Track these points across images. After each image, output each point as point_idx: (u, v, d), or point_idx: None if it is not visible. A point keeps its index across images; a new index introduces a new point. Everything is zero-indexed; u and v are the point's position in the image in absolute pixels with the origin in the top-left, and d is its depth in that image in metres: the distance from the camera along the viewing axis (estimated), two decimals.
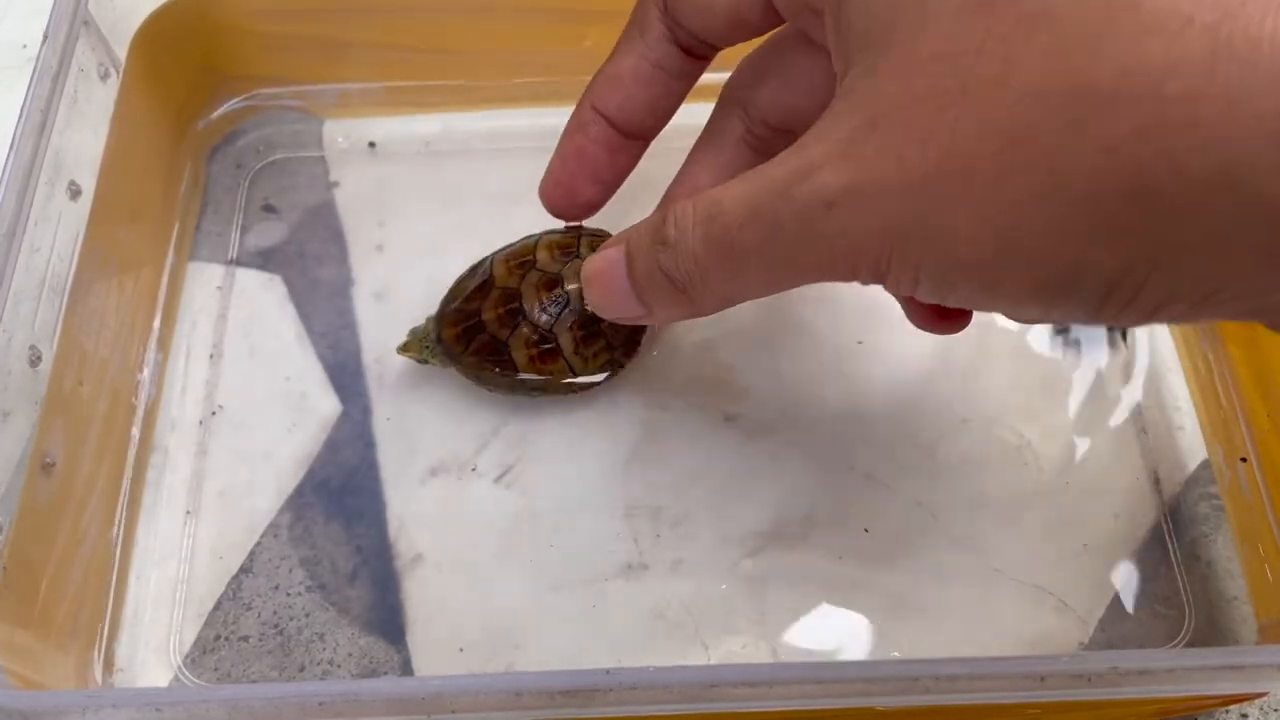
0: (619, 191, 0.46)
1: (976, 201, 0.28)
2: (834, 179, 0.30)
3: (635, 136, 0.43)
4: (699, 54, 0.40)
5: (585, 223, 0.47)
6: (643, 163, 0.54)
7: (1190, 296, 0.27)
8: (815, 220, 0.30)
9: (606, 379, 0.47)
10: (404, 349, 0.47)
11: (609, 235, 0.48)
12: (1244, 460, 0.46)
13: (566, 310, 0.45)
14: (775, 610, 0.44)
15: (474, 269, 0.48)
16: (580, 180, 0.43)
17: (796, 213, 0.31)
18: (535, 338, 0.45)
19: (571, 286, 0.46)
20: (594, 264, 0.38)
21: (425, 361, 0.47)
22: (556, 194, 0.44)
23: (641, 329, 0.48)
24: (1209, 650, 0.41)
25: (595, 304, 0.39)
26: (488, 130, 0.56)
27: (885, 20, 0.30)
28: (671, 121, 0.56)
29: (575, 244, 0.48)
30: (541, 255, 0.47)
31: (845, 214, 0.30)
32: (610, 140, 0.42)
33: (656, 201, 0.52)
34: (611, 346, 0.46)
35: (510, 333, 0.45)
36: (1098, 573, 0.45)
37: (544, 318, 0.45)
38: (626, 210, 0.54)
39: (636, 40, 0.40)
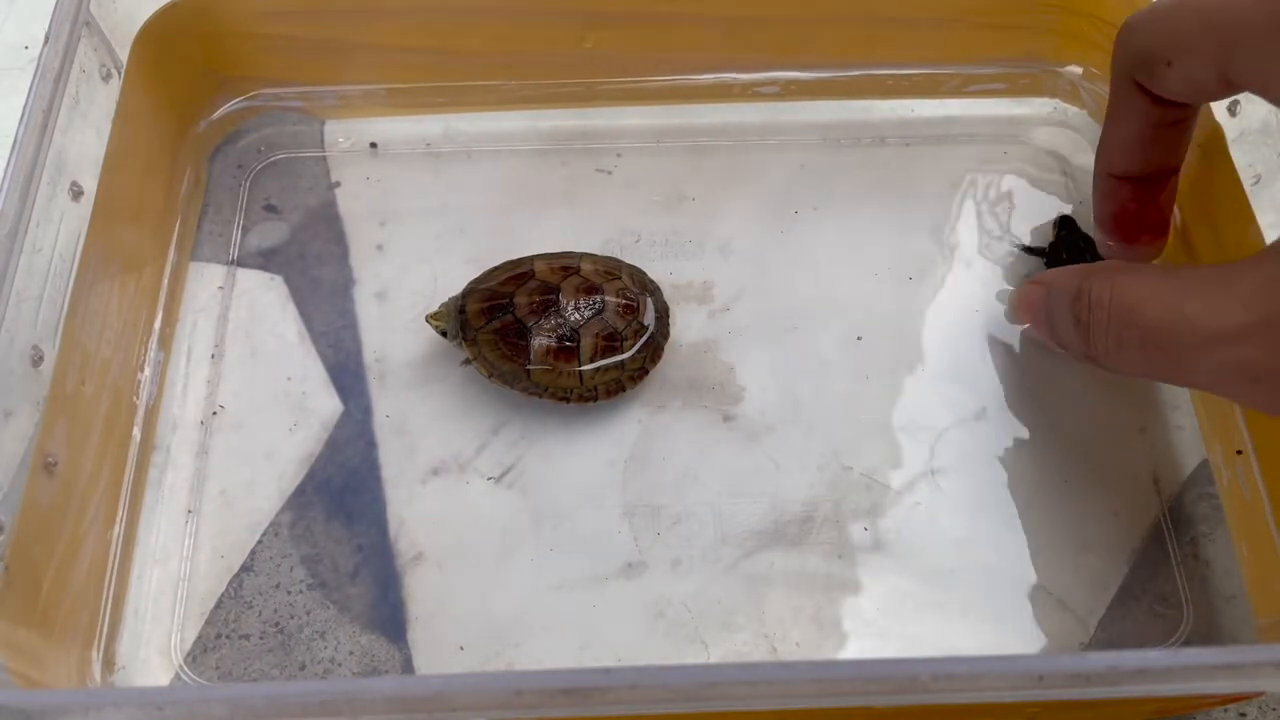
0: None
1: None
2: (1261, 360, 0.33)
3: (1164, 176, 0.46)
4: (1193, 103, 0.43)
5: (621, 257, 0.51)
6: (670, 168, 0.55)
7: None
8: (1238, 384, 0.35)
9: (597, 402, 0.47)
10: (434, 317, 0.48)
11: (645, 274, 0.50)
12: (1239, 453, 0.46)
13: (597, 318, 0.46)
14: (775, 609, 0.44)
15: (510, 263, 0.49)
16: (1137, 234, 0.47)
17: (1218, 369, 0.35)
18: (561, 332, 0.46)
19: (610, 299, 0.46)
20: (1024, 293, 0.46)
21: (444, 334, 0.48)
22: (1127, 254, 0.48)
23: (655, 360, 0.48)
24: (1207, 649, 0.41)
25: (1020, 321, 0.48)
26: (488, 131, 0.56)
27: None
28: (700, 121, 0.56)
29: (618, 269, 0.49)
30: (585, 267, 0.48)
31: (1266, 389, 0.34)
32: (1141, 193, 0.46)
33: (689, 213, 0.52)
34: (622, 367, 0.47)
35: (538, 320, 0.46)
36: (1097, 572, 0.45)
37: (575, 316, 0.46)
38: (641, 219, 0.55)
39: (1126, 112, 0.43)
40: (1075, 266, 0.43)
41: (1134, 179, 0.45)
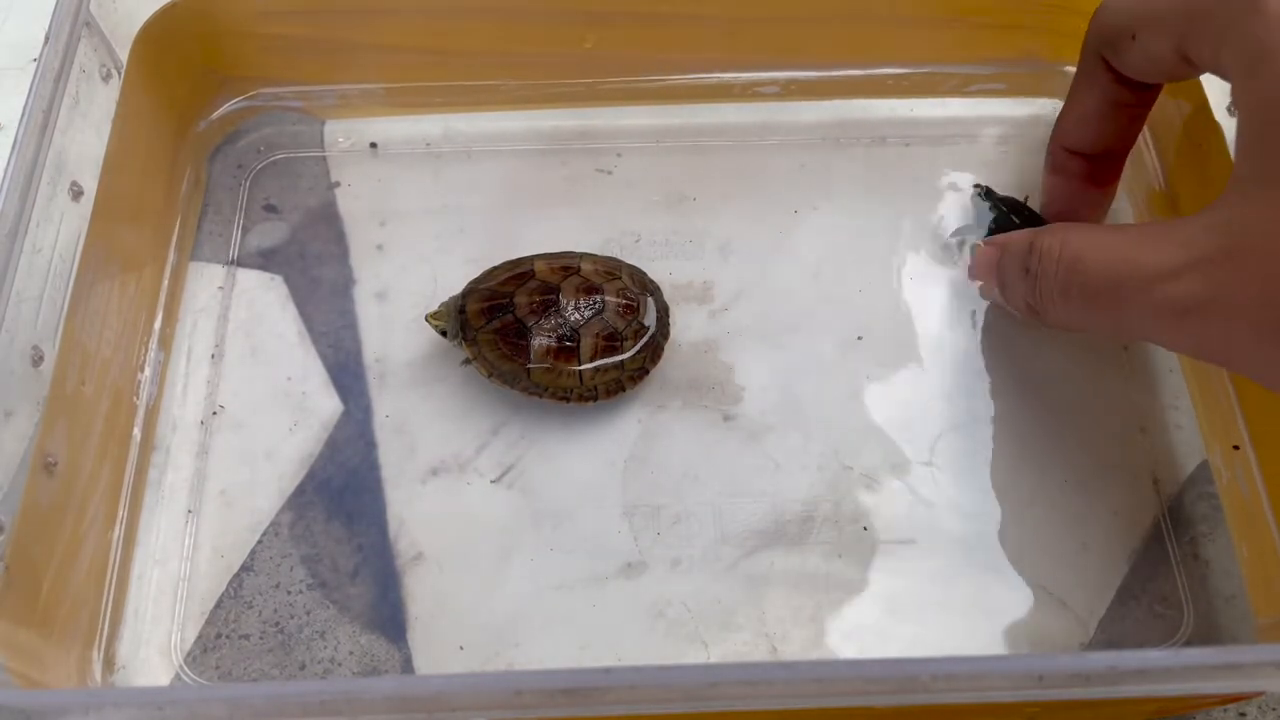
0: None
1: None
2: (1190, 293, 0.35)
3: (1114, 158, 0.48)
4: (1151, 86, 0.45)
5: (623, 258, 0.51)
6: (670, 168, 0.55)
7: None
8: (1168, 319, 0.36)
9: (597, 402, 0.47)
10: (434, 317, 0.48)
11: (645, 274, 0.50)
12: (1236, 448, 0.46)
13: (597, 318, 0.46)
14: (775, 609, 0.44)
15: (510, 263, 0.49)
16: (1077, 211, 0.49)
17: (1152, 307, 0.37)
18: (561, 332, 0.46)
19: (610, 299, 0.46)
20: (981, 253, 0.47)
21: (444, 333, 0.48)
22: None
23: (655, 360, 0.48)
24: (1207, 649, 0.41)
25: (975, 280, 0.49)
26: (488, 131, 0.56)
27: None
28: (700, 121, 0.56)
29: (618, 269, 0.49)
30: (586, 267, 0.48)
31: (1193, 322, 0.36)
32: (1090, 171, 0.48)
33: (689, 213, 0.52)
34: (622, 367, 0.47)
35: (538, 320, 0.46)
36: (1097, 572, 0.45)
37: (575, 316, 0.46)
38: (648, 220, 0.55)
39: (1089, 87, 0.46)
40: (1029, 229, 0.45)
41: (1084, 156, 0.47)
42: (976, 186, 0.53)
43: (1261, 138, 0.35)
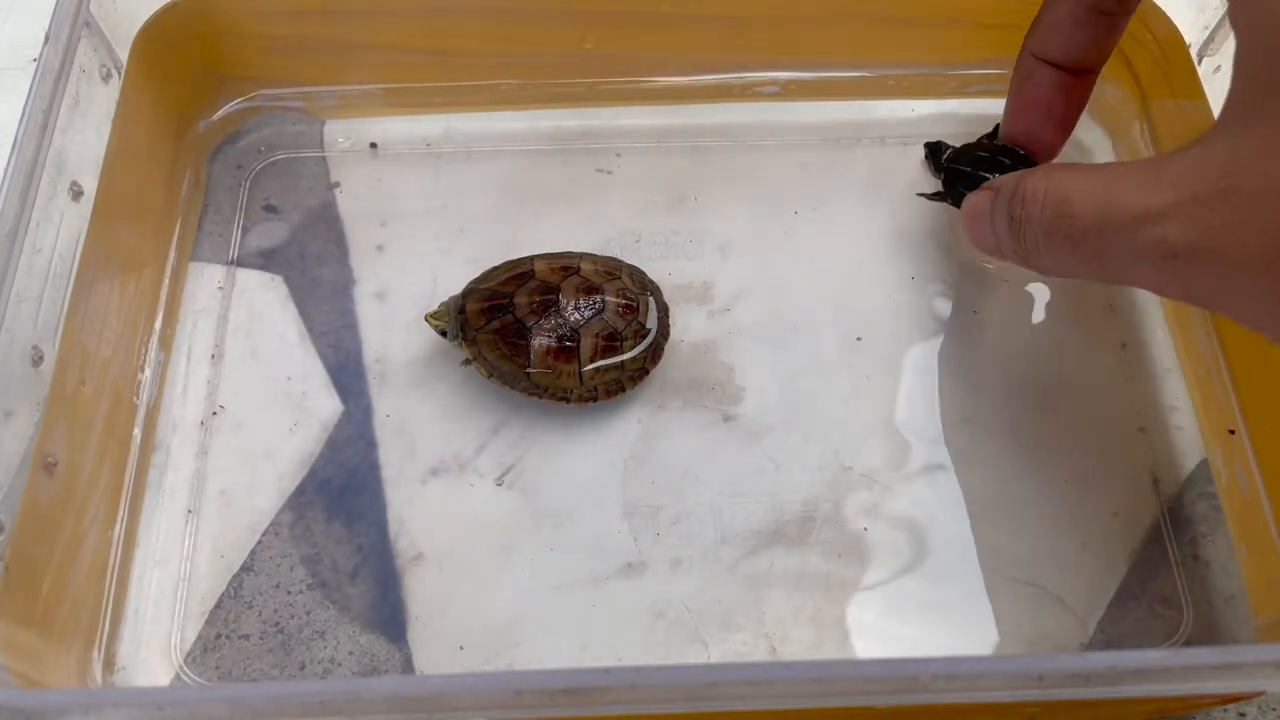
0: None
1: None
2: (1180, 235, 0.33)
3: (1084, 72, 0.46)
4: None
5: (623, 258, 0.51)
6: (670, 168, 0.55)
7: None
8: (1156, 261, 0.35)
9: (598, 402, 0.47)
10: (434, 317, 0.48)
11: (645, 274, 0.50)
12: (1232, 432, 0.46)
13: (597, 318, 0.46)
14: (775, 609, 0.44)
15: (510, 263, 0.49)
16: (1040, 127, 0.47)
17: (1139, 248, 0.35)
18: (561, 332, 0.46)
19: (610, 299, 0.46)
20: (972, 201, 0.44)
21: (444, 333, 0.48)
22: (1021, 145, 0.48)
23: (655, 360, 0.48)
24: (1206, 649, 0.41)
25: (966, 231, 0.45)
26: (488, 131, 0.56)
27: None
28: (700, 121, 0.56)
29: (618, 269, 0.49)
30: (585, 266, 0.48)
31: (1183, 265, 0.34)
32: (1059, 81, 0.46)
33: (689, 213, 0.52)
34: (622, 367, 0.47)
35: (538, 320, 0.46)
36: (1097, 572, 0.45)
37: (575, 316, 0.46)
38: (644, 220, 0.55)
39: None
40: (1018, 171, 0.42)
41: (1054, 65, 0.46)
42: (926, 145, 0.52)
43: (1261, 67, 0.33)
